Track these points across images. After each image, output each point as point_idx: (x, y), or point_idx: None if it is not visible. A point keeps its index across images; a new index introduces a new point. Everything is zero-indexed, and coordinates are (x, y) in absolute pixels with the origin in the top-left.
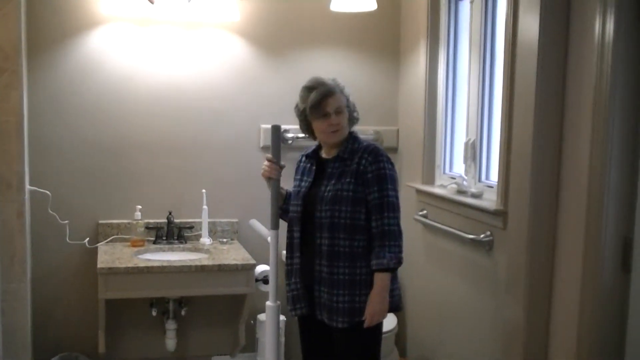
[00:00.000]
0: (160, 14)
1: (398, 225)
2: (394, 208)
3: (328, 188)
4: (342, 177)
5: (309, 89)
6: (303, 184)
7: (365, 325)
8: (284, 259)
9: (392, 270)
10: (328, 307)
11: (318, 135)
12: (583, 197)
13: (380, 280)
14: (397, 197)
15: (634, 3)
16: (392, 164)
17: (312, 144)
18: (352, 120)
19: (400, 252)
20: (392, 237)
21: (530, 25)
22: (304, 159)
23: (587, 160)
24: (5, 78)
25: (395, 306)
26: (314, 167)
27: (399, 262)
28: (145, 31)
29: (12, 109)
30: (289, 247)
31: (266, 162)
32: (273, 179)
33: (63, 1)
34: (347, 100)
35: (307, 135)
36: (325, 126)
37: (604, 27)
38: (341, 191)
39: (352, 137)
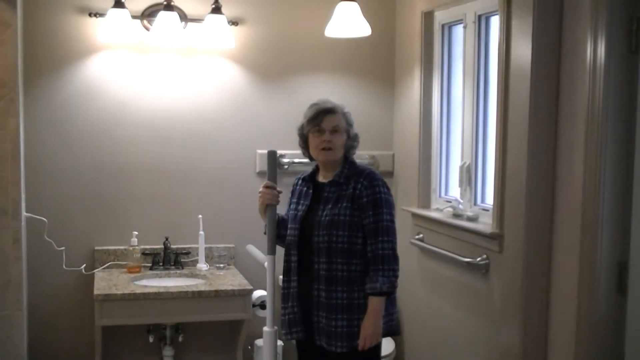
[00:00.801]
0: (156, 41)
1: (393, 249)
2: (389, 232)
3: (325, 212)
4: (338, 201)
5: (313, 104)
6: (300, 207)
7: (359, 348)
8: (281, 283)
9: (386, 294)
10: (326, 332)
11: (312, 151)
12: (577, 220)
13: (374, 304)
14: (392, 222)
15: (623, 28)
16: (387, 188)
17: (307, 169)
18: (350, 147)
19: (395, 276)
20: (387, 261)
21: (523, 50)
22: (300, 182)
23: (581, 183)
24: (2, 105)
25: (394, 330)
26: (310, 191)
27: (393, 286)
28: (141, 58)
29: (9, 136)
30: (286, 272)
31: (263, 189)
32: (271, 205)
33: (60, 29)
34: (349, 126)
35: (303, 153)
36: (318, 142)
37: (595, 51)
38: (338, 216)
39: (349, 162)
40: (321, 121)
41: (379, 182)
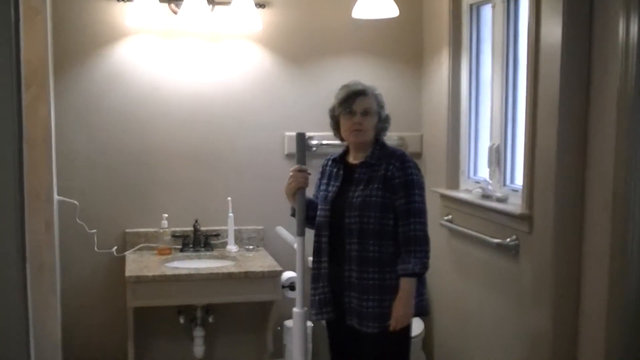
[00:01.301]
0: (184, 25)
1: (425, 230)
2: (421, 214)
3: (356, 194)
4: (370, 183)
5: (344, 86)
6: (330, 188)
7: (391, 329)
8: (310, 265)
9: (418, 275)
10: (358, 312)
11: (342, 133)
12: (609, 200)
13: (405, 284)
14: (424, 203)
15: None
16: (418, 169)
17: (336, 150)
18: (381, 129)
19: (427, 257)
20: (418, 242)
21: (553, 29)
22: (330, 163)
23: (612, 164)
24: (33, 91)
25: (423, 310)
26: (341, 172)
27: (425, 267)
28: (169, 43)
29: (39, 122)
30: (317, 252)
31: (295, 172)
32: (301, 187)
33: (88, 15)
34: (380, 108)
35: (334, 134)
36: (349, 124)
37: (627, 28)
38: (369, 197)
39: (380, 144)
40: (352, 103)
41: (411, 164)
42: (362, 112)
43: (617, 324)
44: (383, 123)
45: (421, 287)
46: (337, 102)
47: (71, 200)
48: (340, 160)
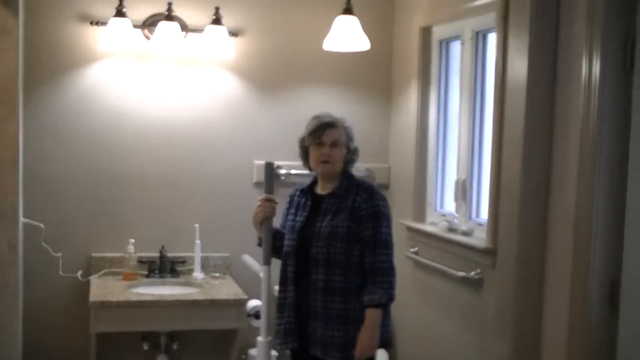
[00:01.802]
0: (157, 50)
1: (391, 262)
2: (387, 245)
3: (324, 224)
4: (337, 213)
5: (314, 117)
6: (298, 218)
7: (356, 359)
8: (276, 294)
9: (384, 306)
10: (322, 341)
11: (311, 163)
12: (570, 236)
13: (371, 315)
14: (390, 235)
15: (618, 47)
16: (386, 201)
17: (304, 180)
18: (350, 161)
19: (392, 288)
20: (385, 273)
21: (519, 67)
22: (298, 193)
23: (574, 200)
24: (2, 111)
25: (387, 342)
26: (309, 202)
27: (391, 298)
28: (141, 66)
29: (7, 142)
30: (283, 281)
31: (263, 202)
32: (269, 217)
33: (62, 37)
34: (349, 140)
35: (303, 164)
36: (318, 155)
37: (590, 70)
38: (336, 227)
39: (348, 175)
40: (322, 134)
41: (378, 196)
42: (331, 143)
43: (577, 357)
44: (352, 155)
45: (385, 318)
46: (307, 132)
47: (37, 223)
48: (309, 190)
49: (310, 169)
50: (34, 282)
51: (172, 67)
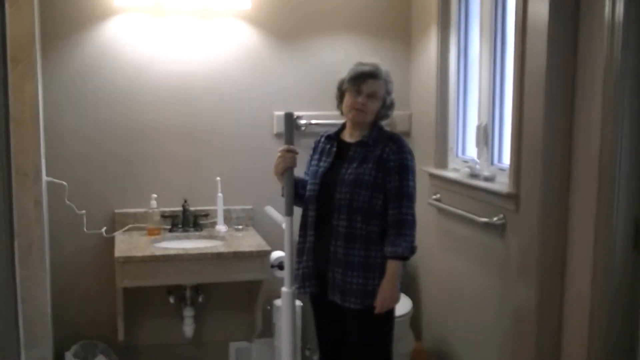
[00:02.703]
0: (172, 3)
1: (414, 215)
2: (412, 198)
3: (349, 171)
4: (364, 162)
5: (359, 63)
6: (322, 163)
7: (376, 311)
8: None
9: (406, 258)
10: (341, 287)
11: (344, 108)
12: (594, 177)
13: (393, 267)
14: (415, 189)
15: None
16: (413, 156)
17: (325, 130)
18: (383, 115)
19: (414, 241)
20: (408, 226)
21: (540, 7)
22: (323, 139)
23: (598, 142)
24: (20, 69)
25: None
26: (334, 149)
27: (413, 251)
28: (157, 20)
29: (27, 100)
30: (303, 226)
31: (283, 152)
32: (290, 167)
33: None
34: (387, 94)
35: (337, 106)
36: (353, 102)
37: (613, 7)
38: (362, 175)
39: (377, 126)
40: (362, 83)
41: (406, 149)
42: (368, 94)
43: (601, 299)
44: (386, 110)
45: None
46: (347, 77)
47: (60, 181)
48: (335, 137)
49: (342, 112)
50: (60, 239)
51: (188, 20)
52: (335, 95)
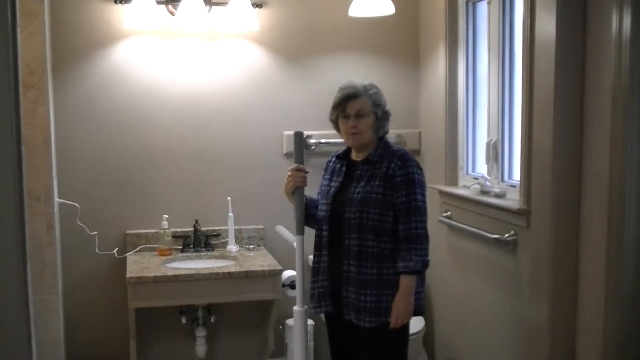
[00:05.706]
0: (181, 26)
1: (425, 229)
2: (421, 212)
3: (357, 190)
4: (371, 179)
5: (339, 89)
6: (333, 183)
7: (391, 326)
8: (310, 263)
9: (419, 273)
10: (355, 306)
11: (342, 136)
12: (605, 194)
13: (406, 282)
14: (424, 202)
15: None
16: (420, 169)
17: (335, 149)
18: (380, 127)
19: (427, 255)
20: (419, 240)
21: (548, 24)
22: (334, 159)
23: (608, 158)
24: (32, 94)
25: (419, 310)
26: (343, 168)
27: (425, 265)
28: (167, 43)
29: (39, 124)
30: (317, 246)
31: (293, 172)
32: (300, 187)
33: (86, 16)
34: (376, 107)
35: (341, 136)
36: (345, 128)
37: (620, 23)
38: (370, 193)
39: (383, 142)
40: (345, 107)
41: (412, 163)
42: (355, 114)
43: (614, 316)
44: (381, 121)
45: (419, 286)
46: (332, 106)
47: (72, 203)
48: (344, 156)
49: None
50: (72, 260)
51: (198, 42)
52: (333, 127)
